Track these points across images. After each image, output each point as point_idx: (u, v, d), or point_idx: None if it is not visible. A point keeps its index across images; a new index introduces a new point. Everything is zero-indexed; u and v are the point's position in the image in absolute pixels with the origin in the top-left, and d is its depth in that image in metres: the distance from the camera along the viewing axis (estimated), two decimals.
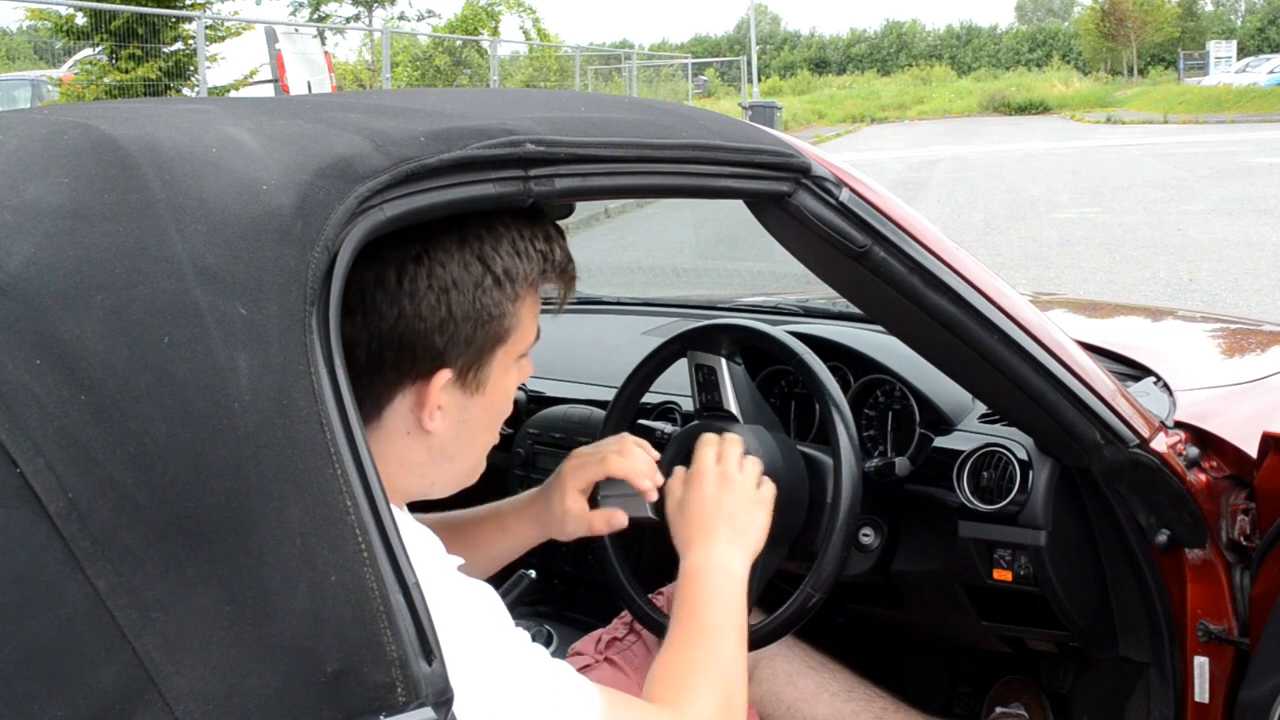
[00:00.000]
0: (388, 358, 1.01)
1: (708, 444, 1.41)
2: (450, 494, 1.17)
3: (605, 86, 26.50)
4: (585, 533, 1.44)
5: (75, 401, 0.70)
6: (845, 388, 1.86)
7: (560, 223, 1.17)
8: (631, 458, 1.41)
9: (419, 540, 1.03)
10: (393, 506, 1.01)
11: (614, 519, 1.43)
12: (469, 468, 1.15)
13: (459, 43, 22.61)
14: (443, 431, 1.07)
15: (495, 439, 1.17)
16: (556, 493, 1.44)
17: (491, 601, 1.05)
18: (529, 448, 2.13)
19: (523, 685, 1.00)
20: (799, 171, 1.18)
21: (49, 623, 0.69)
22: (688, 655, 1.20)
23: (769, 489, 1.41)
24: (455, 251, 1.01)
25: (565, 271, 1.13)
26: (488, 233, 1.03)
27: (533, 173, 0.96)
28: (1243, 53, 44.78)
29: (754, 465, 1.41)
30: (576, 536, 1.45)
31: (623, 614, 1.72)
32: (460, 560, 1.11)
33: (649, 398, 1.90)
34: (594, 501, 1.69)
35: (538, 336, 1.15)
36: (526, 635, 1.06)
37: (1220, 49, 42.60)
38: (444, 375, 1.04)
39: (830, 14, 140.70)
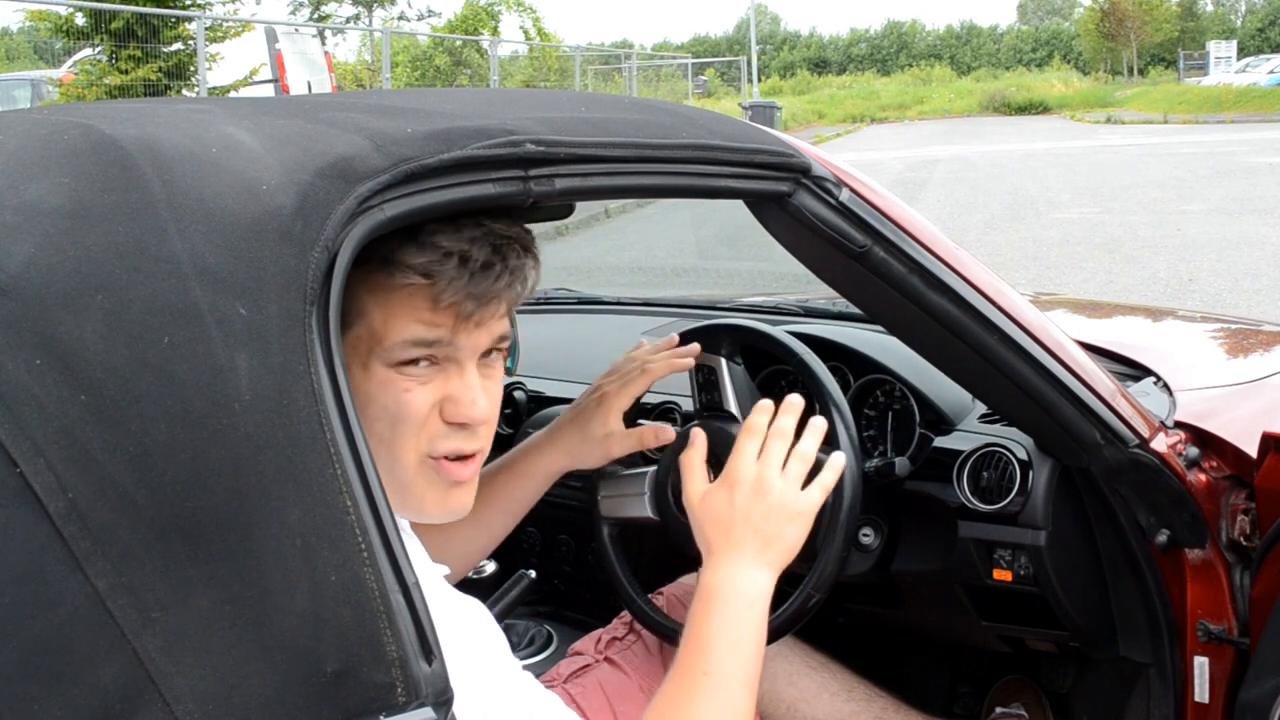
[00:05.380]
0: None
1: (752, 435, 1.26)
2: (408, 519, 1.09)
3: (605, 86, 26.49)
4: (635, 448, 1.44)
5: (75, 401, 0.70)
6: (845, 388, 1.86)
7: (560, 223, 1.16)
8: (663, 363, 1.44)
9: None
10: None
11: (662, 434, 1.42)
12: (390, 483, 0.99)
13: (459, 43, 22.61)
14: None
15: (404, 455, 1.03)
16: (595, 420, 1.45)
17: (484, 620, 1.05)
18: None
19: (510, 708, 1.00)
20: (799, 171, 1.18)
21: (49, 623, 0.69)
22: (690, 705, 1.12)
23: (815, 495, 1.27)
24: None
25: (409, 268, 0.97)
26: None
27: (533, 173, 0.96)
28: (1243, 53, 44.76)
29: (801, 464, 1.27)
30: (618, 456, 1.46)
31: (623, 614, 1.72)
32: (446, 569, 1.11)
33: (649, 398, 1.90)
34: (592, 502, 1.69)
35: (431, 345, 1.01)
36: (517, 662, 1.05)
37: (1220, 49, 42.59)
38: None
39: (830, 14, 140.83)
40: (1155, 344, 2.24)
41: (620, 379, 1.45)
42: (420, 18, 29.51)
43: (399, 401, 1.01)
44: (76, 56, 13.55)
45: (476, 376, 1.04)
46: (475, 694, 0.96)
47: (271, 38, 15.97)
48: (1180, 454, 1.60)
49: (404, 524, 1.10)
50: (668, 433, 1.40)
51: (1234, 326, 2.60)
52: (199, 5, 12.69)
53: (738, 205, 1.23)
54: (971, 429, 1.76)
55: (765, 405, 1.30)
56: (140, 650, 0.70)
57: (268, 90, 14.67)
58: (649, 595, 1.66)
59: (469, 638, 1.01)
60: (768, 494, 1.24)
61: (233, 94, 12.27)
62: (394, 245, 0.96)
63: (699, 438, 1.33)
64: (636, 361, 1.49)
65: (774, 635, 1.55)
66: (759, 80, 40.47)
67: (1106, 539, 1.64)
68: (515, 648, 1.95)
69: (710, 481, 1.30)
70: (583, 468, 1.50)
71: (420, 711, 0.76)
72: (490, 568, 1.98)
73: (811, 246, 1.27)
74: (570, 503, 2.04)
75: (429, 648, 0.78)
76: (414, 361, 1.01)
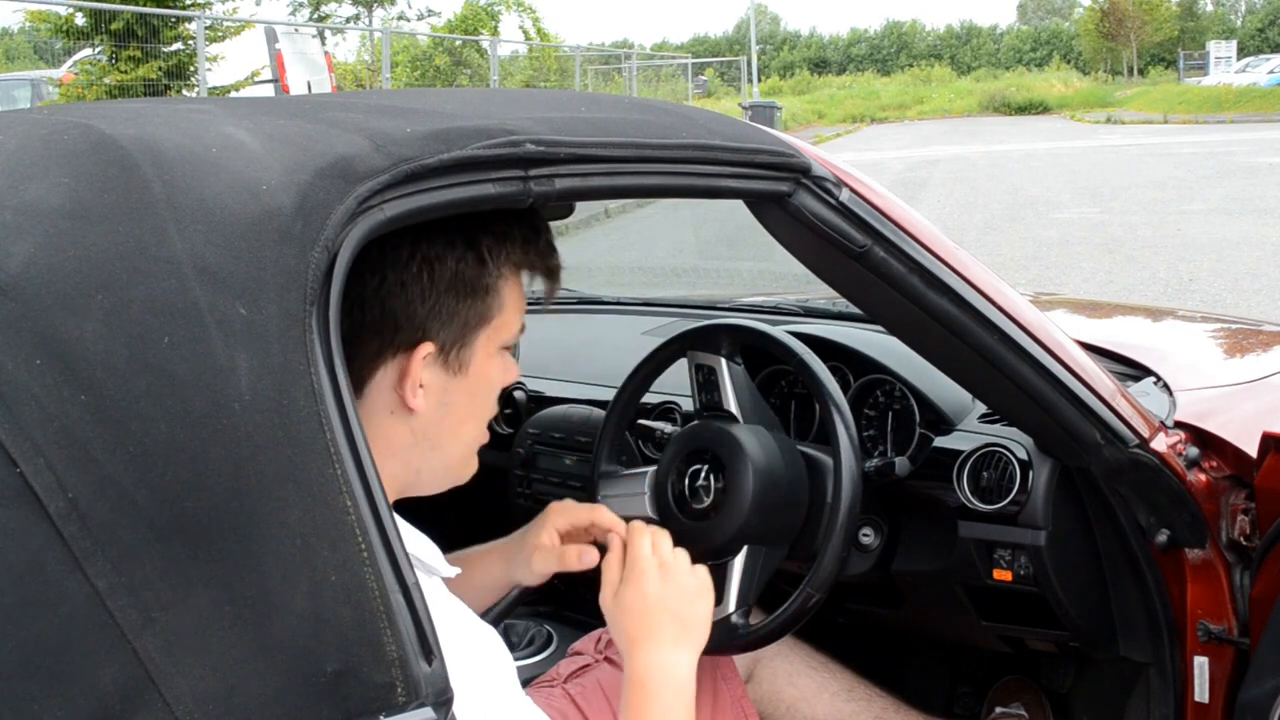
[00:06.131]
0: (369, 326, 1.01)
1: (640, 532, 1.33)
2: (439, 490, 1.16)
3: (605, 86, 26.50)
4: (555, 568, 1.40)
5: (75, 401, 0.70)
6: (845, 388, 1.86)
7: (560, 223, 1.17)
8: (613, 520, 1.39)
9: (417, 549, 1.04)
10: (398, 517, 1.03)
11: (585, 556, 1.37)
12: (455, 459, 1.13)
13: (459, 43, 22.61)
14: (425, 412, 1.06)
15: (483, 435, 1.15)
16: (533, 531, 1.42)
17: (498, 650, 1.06)
18: (529, 448, 2.13)
19: None
20: (799, 171, 1.18)
21: (49, 623, 0.69)
22: None
23: (704, 574, 1.33)
24: (439, 226, 1.02)
25: (549, 260, 1.12)
26: (473, 214, 1.03)
27: (533, 173, 0.96)
28: (1243, 53, 44.72)
29: (683, 551, 1.33)
30: (543, 576, 1.42)
31: None
32: (457, 570, 1.11)
33: (649, 398, 1.90)
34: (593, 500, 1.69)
35: (522, 331, 1.15)
36: (530, 702, 1.06)
37: (1220, 49, 42.56)
38: (426, 348, 1.03)
39: (830, 14, 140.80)
40: (1155, 344, 2.24)
41: (568, 507, 1.44)
42: (420, 18, 29.52)
43: (503, 378, 1.13)
44: (76, 56, 13.55)
45: None
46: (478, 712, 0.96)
47: (271, 38, 15.96)
48: (1180, 454, 1.59)
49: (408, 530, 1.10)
50: (591, 555, 1.39)
51: (1234, 326, 2.60)
52: (199, 5, 12.69)
53: (738, 205, 1.23)
54: (971, 429, 1.76)
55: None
56: (140, 650, 0.70)
57: (268, 90, 14.67)
58: None
59: (481, 664, 1.01)
60: (674, 574, 1.29)
61: (233, 94, 12.27)
62: (532, 245, 1.09)
63: (616, 543, 1.34)
64: (591, 506, 1.47)
65: (774, 635, 1.55)
66: (759, 80, 40.46)
67: (1106, 539, 1.64)
68: (515, 648, 1.95)
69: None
70: (518, 580, 1.45)
71: (420, 711, 0.76)
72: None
73: (811, 246, 1.27)
74: None
75: (429, 648, 0.78)
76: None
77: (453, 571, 1.10)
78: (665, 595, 1.27)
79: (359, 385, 1.03)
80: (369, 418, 1.03)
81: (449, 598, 1.06)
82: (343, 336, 0.98)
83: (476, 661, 1.00)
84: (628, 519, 1.64)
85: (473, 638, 1.03)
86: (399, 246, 1.01)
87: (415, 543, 1.07)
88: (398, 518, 1.05)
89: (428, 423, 1.07)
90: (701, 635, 1.28)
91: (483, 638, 1.05)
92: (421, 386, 1.05)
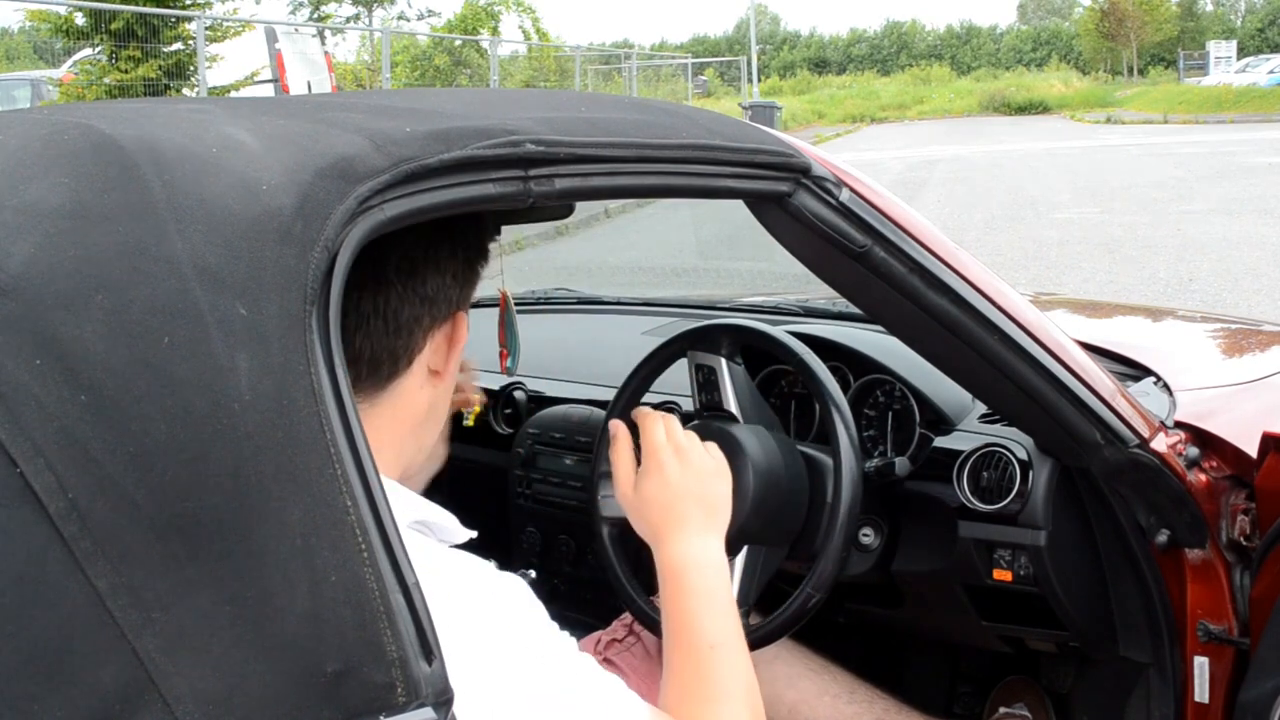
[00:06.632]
0: (430, 300, 1.03)
1: (652, 419, 1.33)
2: (424, 480, 1.15)
3: (605, 86, 26.49)
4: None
5: (75, 401, 0.70)
6: (845, 388, 1.86)
7: (560, 223, 1.17)
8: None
9: (432, 515, 1.03)
10: (404, 487, 1.02)
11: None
12: (438, 434, 1.13)
13: (459, 43, 22.61)
14: (444, 378, 1.07)
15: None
16: None
17: (525, 598, 1.03)
18: (529, 448, 2.13)
19: (561, 693, 0.97)
20: (799, 171, 1.18)
21: (49, 623, 0.69)
22: (704, 679, 1.13)
23: (718, 452, 1.32)
24: None
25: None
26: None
27: (533, 173, 0.96)
28: (1243, 53, 44.74)
29: (695, 436, 1.33)
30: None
31: (623, 615, 1.72)
32: (473, 534, 1.09)
33: (649, 398, 1.89)
34: (592, 502, 1.69)
35: None
36: (571, 641, 1.01)
37: (1220, 49, 42.60)
38: (461, 314, 1.05)
39: (830, 14, 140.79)
40: (1155, 344, 2.24)
41: None
42: (420, 18, 29.54)
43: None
44: (76, 56, 13.58)
45: None
46: (519, 681, 0.94)
47: (271, 38, 15.96)
48: (1180, 454, 1.60)
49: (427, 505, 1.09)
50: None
51: (1234, 326, 2.60)
52: (199, 5, 12.69)
53: (738, 205, 1.23)
54: (971, 429, 1.76)
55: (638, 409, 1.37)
56: (140, 650, 0.70)
57: (268, 90, 14.67)
58: (650, 596, 1.66)
59: (511, 622, 0.99)
60: (690, 456, 1.28)
61: (233, 94, 12.27)
62: (481, 251, 1.07)
63: (622, 432, 1.34)
64: None
65: (774, 635, 1.55)
66: (759, 80, 40.46)
67: (1106, 539, 1.64)
68: None
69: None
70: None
71: (420, 712, 0.76)
72: (490, 567, 1.98)
73: (811, 246, 1.27)
74: (570, 503, 2.04)
75: (429, 648, 0.78)
76: None
77: (468, 535, 1.08)
78: (686, 481, 1.26)
79: (409, 362, 1.03)
80: (407, 392, 1.04)
81: (463, 576, 1.01)
82: (412, 316, 1.01)
83: (490, 648, 0.98)
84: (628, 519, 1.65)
85: (486, 617, 1.00)
86: (465, 220, 1.02)
87: (428, 510, 1.04)
88: (407, 490, 1.05)
89: (439, 392, 1.08)
90: (725, 516, 1.27)
91: (497, 622, 1.01)
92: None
